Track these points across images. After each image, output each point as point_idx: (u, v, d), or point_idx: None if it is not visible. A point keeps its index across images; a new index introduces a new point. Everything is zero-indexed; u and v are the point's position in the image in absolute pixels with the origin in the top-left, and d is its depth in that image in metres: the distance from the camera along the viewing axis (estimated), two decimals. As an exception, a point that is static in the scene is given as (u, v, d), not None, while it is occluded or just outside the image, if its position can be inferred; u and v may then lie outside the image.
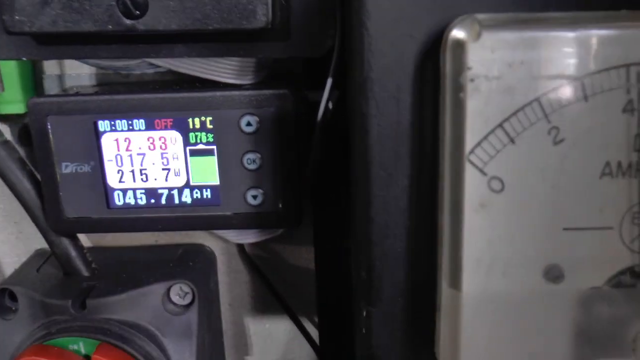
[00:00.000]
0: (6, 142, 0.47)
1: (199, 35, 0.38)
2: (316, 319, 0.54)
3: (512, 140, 0.29)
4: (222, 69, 0.43)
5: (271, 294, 0.53)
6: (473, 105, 0.29)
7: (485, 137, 0.29)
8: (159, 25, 0.36)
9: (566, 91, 0.29)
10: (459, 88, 0.29)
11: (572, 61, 0.28)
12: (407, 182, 0.32)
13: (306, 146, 0.45)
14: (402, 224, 0.32)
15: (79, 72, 0.50)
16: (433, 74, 0.30)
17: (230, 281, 0.55)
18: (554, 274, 0.31)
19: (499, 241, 0.30)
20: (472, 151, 0.29)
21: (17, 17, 0.36)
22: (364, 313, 0.34)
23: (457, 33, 0.28)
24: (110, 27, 0.36)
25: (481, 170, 0.29)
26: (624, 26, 0.28)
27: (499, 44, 0.28)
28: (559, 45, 0.28)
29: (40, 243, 0.52)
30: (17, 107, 0.48)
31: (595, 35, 0.28)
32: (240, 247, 0.53)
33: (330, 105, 0.43)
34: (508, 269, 0.31)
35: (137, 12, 0.36)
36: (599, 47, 0.28)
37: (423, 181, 0.32)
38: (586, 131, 0.29)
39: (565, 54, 0.28)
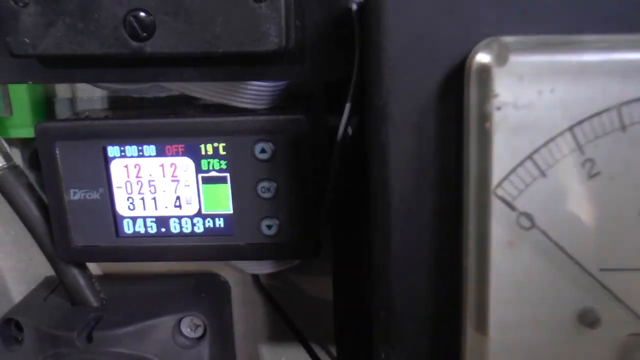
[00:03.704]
0: (15, 167, 0.46)
1: (209, 58, 0.36)
2: (334, 353, 0.52)
3: (542, 174, 0.27)
4: (237, 93, 0.42)
5: (287, 326, 0.51)
6: (500, 136, 0.26)
7: (514, 170, 0.27)
8: (166, 47, 0.34)
9: (602, 121, 0.26)
10: (484, 117, 0.26)
11: (609, 88, 0.26)
12: (430, 217, 0.30)
13: (324, 173, 0.43)
14: (424, 261, 0.30)
15: (90, 96, 0.49)
16: (457, 100, 0.28)
17: (246, 312, 0.53)
18: (589, 319, 0.28)
19: (529, 282, 0.28)
20: (499, 185, 0.27)
21: (21, 39, 0.35)
22: (383, 355, 0.32)
23: (482, 57, 0.26)
24: (116, 49, 0.35)
25: (509, 205, 0.27)
26: (665, 50, 0.26)
27: (528, 70, 0.26)
28: (593, 71, 0.26)
29: (51, 270, 0.50)
30: (26, 131, 0.47)
31: (633, 59, 0.26)
32: (255, 277, 0.51)
33: (350, 131, 0.41)
34: (539, 313, 0.28)
35: (144, 34, 0.34)
36: (637, 72, 0.26)
37: (447, 216, 0.29)
38: (624, 164, 0.27)
39: (601, 80, 0.26)
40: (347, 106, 0.39)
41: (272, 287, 0.52)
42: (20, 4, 0.34)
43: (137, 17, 0.34)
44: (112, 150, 0.43)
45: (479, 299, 0.28)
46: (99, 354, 0.43)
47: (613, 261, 0.28)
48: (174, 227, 0.44)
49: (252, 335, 0.54)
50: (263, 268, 0.49)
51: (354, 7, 0.36)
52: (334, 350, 0.52)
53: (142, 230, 0.44)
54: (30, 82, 0.40)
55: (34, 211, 0.46)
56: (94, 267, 0.51)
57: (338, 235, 0.46)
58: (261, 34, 0.34)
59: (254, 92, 0.42)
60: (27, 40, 0.35)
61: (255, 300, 0.52)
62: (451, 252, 0.30)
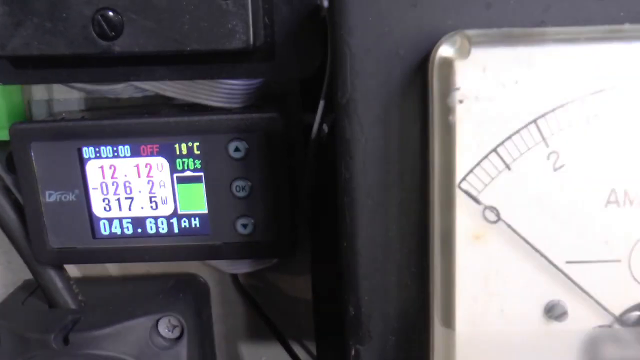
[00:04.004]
0: (-10, 170, 0.46)
1: (178, 56, 0.36)
2: (314, 352, 0.52)
3: (507, 167, 0.27)
4: (211, 92, 0.41)
5: (267, 325, 0.51)
6: (463, 129, 0.26)
7: (479, 164, 0.27)
8: (135, 46, 0.34)
9: (566, 112, 0.26)
10: (447, 110, 0.26)
11: (572, 79, 0.26)
12: (396, 212, 0.30)
13: (300, 172, 0.42)
14: (392, 257, 0.30)
15: (67, 97, 0.49)
16: (421, 95, 0.28)
17: (225, 312, 0.53)
18: (556, 312, 0.28)
19: (495, 276, 0.28)
20: (464, 178, 0.27)
21: (-12, 40, 0.35)
22: (352, 352, 0.32)
23: (445, 50, 0.26)
24: (85, 49, 0.35)
25: (474, 199, 0.27)
26: (629, 41, 0.26)
27: (491, 62, 0.26)
28: (557, 62, 0.26)
29: (30, 274, 0.50)
30: (2, 133, 0.47)
31: (598, 50, 0.26)
32: (234, 277, 0.51)
33: (326, 129, 0.41)
34: (505, 306, 0.28)
35: (113, 33, 0.34)
36: (601, 63, 0.26)
37: (413, 211, 0.29)
38: (589, 156, 0.27)
39: (565, 71, 0.26)
40: (321, 104, 0.39)
41: (251, 286, 0.51)
42: (-12, 5, 0.34)
43: (105, 17, 0.34)
44: (87, 151, 0.42)
45: (445, 293, 0.28)
46: (75, 356, 0.43)
47: (579, 254, 0.28)
48: (150, 228, 0.44)
49: (231, 335, 0.54)
50: (241, 267, 0.48)
51: (325, 3, 0.36)
52: (313, 349, 0.52)
53: (119, 232, 0.44)
54: (0, 84, 0.40)
55: (10, 214, 0.45)
56: (73, 270, 0.51)
57: (316, 233, 0.46)
58: (228, 31, 0.33)
59: (228, 91, 0.41)
60: (-5, 41, 0.35)
61: (235, 300, 0.52)
62: (418, 247, 0.30)
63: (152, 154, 0.42)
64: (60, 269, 0.47)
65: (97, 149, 0.42)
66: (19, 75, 0.39)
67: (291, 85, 0.45)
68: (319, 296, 0.48)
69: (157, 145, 0.42)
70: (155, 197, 0.43)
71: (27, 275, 0.50)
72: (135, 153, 0.42)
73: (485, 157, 0.27)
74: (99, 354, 0.43)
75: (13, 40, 0.35)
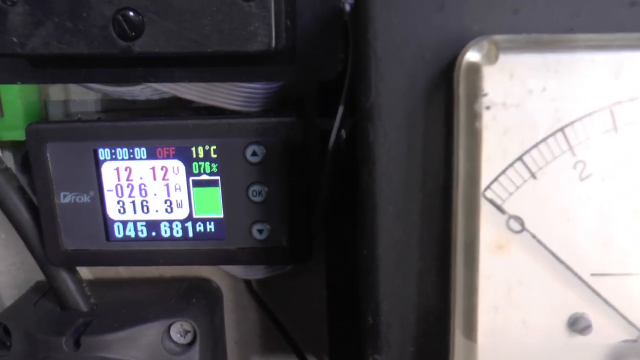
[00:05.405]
0: (6, 169, 0.46)
1: (198, 58, 0.35)
2: (327, 360, 0.51)
3: (533, 175, 0.26)
4: (228, 96, 0.41)
5: (279, 333, 0.50)
6: (490, 136, 0.26)
7: (504, 172, 0.26)
8: (155, 47, 0.34)
9: (594, 121, 0.26)
10: (474, 116, 0.26)
11: (601, 88, 0.26)
12: (418, 219, 0.29)
13: (318, 178, 0.42)
14: (412, 265, 0.30)
15: (84, 99, 0.48)
16: (447, 100, 0.27)
17: (238, 319, 0.52)
18: (580, 325, 0.28)
19: (518, 287, 0.27)
20: (488, 187, 0.26)
21: (9, 38, 0.34)
22: (370, 362, 0.31)
23: (472, 56, 0.26)
24: (104, 49, 0.34)
25: (499, 208, 0.27)
26: (659, 49, 0.25)
27: (519, 68, 0.25)
28: (586, 70, 0.26)
29: (42, 275, 0.50)
30: (18, 133, 0.46)
31: (626, 58, 0.25)
32: (247, 282, 0.50)
33: (344, 134, 0.41)
34: (528, 318, 0.28)
35: (133, 33, 0.34)
36: (631, 71, 0.25)
37: (435, 218, 0.29)
38: (616, 166, 0.26)
39: (593, 79, 0.26)
40: (340, 109, 0.39)
41: (264, 292, 0.51)
42: (9, 3, 0.34)
43: (125, 17, 0.34)
44: (103, 153, 0.42)
45: (467, 303, 0.28)
46: (87, 359, 0.43)
47: (604, 266, 0.27)
48: (165, 231, 0.43)
49: (243, 342, 0.53)
50: (255, 273, 0.48)
51: (347, 7, 0.36)
52: (327, 358, 0.51)
53: (133, 235, 0.44)
54: (19, 83, 0.40)
55: (24, 214, 0.45)
56: (85, 272, 0.51)
57: (332, 240, 0.45)
58: (250, 33, 0.33)
59: (246, 95, 0.41)
60: (15, 40, 0.35)
61: (248, 306, 0.52)
62: (439, 255, 0.29)
63: (168, 157, 0.42)
64: (72, 271, 0.47)
65: (112, 151, 0.42)
66: (38, 74, 0.39)
67: (309, 90, 0.45)
68: (333, 304, 0.47)
69: (174, 148, 0.41)
70: (170, 200, 0.43)
71: (40, 276, 0.50)
72: (151, 155, 0.42)
73: (511, 165, 0.26)
74: (110, 358, 0.43)
75: (33, 39, 0.34)
